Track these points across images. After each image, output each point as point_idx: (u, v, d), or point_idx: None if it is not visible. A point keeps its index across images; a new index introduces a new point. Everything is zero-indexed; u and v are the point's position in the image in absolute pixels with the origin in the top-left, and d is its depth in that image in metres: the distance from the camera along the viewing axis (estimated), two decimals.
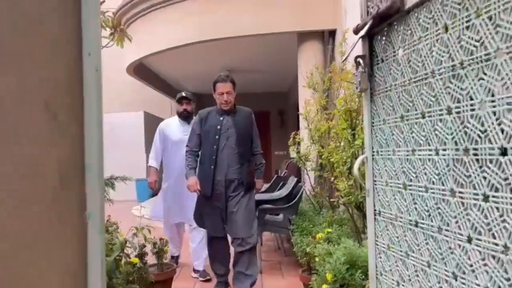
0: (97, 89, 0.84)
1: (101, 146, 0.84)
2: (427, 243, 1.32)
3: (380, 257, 1.65)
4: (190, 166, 3.53)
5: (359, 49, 1.68)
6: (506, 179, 0.97)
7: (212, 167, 3.43)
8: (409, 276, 1.44)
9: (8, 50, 0.65)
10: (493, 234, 1.02)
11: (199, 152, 3.58)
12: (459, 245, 1.16)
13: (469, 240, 1.12)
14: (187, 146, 3.59)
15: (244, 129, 3.52)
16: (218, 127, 3.48)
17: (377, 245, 1.67)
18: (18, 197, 0.65)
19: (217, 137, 3.43)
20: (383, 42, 1.55)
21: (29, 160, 0.67)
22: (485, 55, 1.03)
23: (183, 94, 4.19)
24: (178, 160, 4.04)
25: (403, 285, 1.48)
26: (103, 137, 0.85)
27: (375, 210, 1.68)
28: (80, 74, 0.80)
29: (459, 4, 1.13)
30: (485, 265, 1.05)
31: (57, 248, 0.75)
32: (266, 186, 4.06)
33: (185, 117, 4.18)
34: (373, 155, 1.67)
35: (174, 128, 4.24)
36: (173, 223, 4.33)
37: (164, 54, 7.30)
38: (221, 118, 3.52)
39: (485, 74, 1.03)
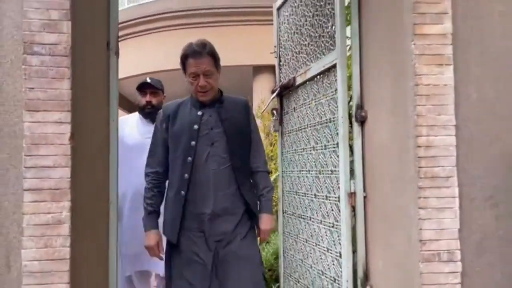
0: (114, 136, 1.65)
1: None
2: (305, 227, 2.20)
3: (285, 241, 2.52)
4: (150, 208, 2.00)
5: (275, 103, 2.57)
6: (335, 186, 1.86)
7: (183, 192, 1.93)
8: (298, 250, 2.30)
9: None
10: (329, 217, 1.91)
11: (168, 174, 2.05)
12: (318, 226, 2.04)
13: (321, 222, 2.00)
14: (146, 166, 2.07)
15: (240, 127, 2.05)
16: (195, 126, 1.97)
17: (284, 233, 2.54)
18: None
19: (193, 142, 1.96)
20: (286, 101, 2.45)
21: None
22: (325, 119, 1.93)
23: (147, 79, 2.79)
24: (135, 173, 2.40)
25: (295, 256, 2.35)
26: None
27: (283, 210, 2.54)
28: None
29: (317, 89, 2.04)
30: (326, 234, 1.93)
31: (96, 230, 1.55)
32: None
33: (148, 113, 2.69)
34: (282, 173, 2.55)
35: (132, 128, 2.71)
36: (129, 274, 2.59)
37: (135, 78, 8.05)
38: (200, 113, 2.00)
39: (326, 129, 1.93)
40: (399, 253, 1.50)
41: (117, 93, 1.69)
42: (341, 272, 1.82)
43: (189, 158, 1.95)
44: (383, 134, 1.59)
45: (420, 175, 1.38)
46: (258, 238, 2.07)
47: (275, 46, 2.78)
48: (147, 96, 2.71)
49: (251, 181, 2.07)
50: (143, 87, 2.75)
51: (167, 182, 2.03)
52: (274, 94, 2.44)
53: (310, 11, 2.23)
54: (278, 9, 2.74)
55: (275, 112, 2.53)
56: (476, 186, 1.41)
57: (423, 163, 1.38)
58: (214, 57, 1.98)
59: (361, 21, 1.79)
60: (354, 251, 1.83)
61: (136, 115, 2.78)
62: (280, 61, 2.69)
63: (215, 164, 1.96)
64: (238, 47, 7.09)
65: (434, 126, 1.39)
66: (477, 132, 1.42)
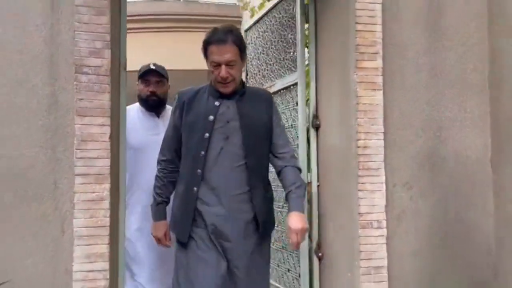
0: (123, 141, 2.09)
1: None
2: None
3: None
4: (158, 198, 1.94)
5: None
6: None
7: (195, 189, 1.82)
8: None
9: None
10: None
11: (179, 164, 1.94)
12: (280, 211, 2.57)
13: (282, 206, 2.53)
14: (159, 153, 1.97)
15: (260, 123, 1.89)
16: (211, 117, 1.84)
17: None
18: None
19: (207, 135, 1.82)
20: None
21: None
22: (288, 125, 2.48)
23: (151, 65, 2.42)
24: (148, 177, 2.13)
25: None
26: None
27: None
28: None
29: (280, 101, 2.58)
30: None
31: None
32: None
33: (152, 105, 2.39)
34: None
35: (134, 124, 2.34)
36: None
37: None
38: (217, 103, 1.86)
39: (289, 133, 2.47)
40: (344, 225, 2.06)
41: (125, 101, 2.05)
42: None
43: (202, 152, 1.79)
44: (333, 138, 2.16)
45: (359, 168, 1.95)
46: (289, 242, 1.83)
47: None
48: (151, 85, 2.36)
49: (268, 182, 1.92)
50: (146, 75, 2.37)
51: (175, 179, 1.91)
52: None
53: (275, 38, 2.77)
54: (246, 30, 3.26)
55: None
56: (396, 175, 2.01)
57: (361, 159, 1.96)
58: (239, 46, 1.80)
59: (317, 50, 2.35)
60: (310, 228, 2.38)
61: (136, 107, 2.41)
62: (247, 74, 3.20)
63: (228, 161, 1.80)
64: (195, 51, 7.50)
65: (369, 133, 1.97)
66: (398, 138, 2.02)
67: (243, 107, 1.85)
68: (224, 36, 1.77)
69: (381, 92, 1.99)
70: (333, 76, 2.18)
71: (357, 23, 1.98)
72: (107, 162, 1.71)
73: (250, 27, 3.20)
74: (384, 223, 1.96)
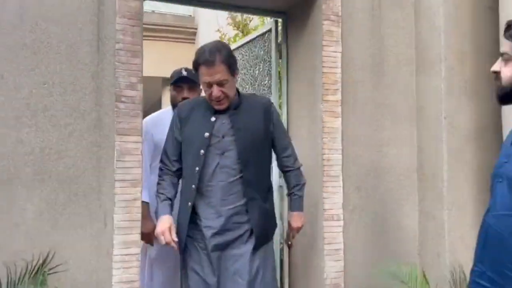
0: None
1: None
2: None
3: None
4: (162, 196, 2.00)
5: None
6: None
7: (190, 203, 1.93)
8: None
9: None
10: None
11: (181, 171, 2.04)
12: None
13: None
14: (159, 163, 2.08)
15: (257, 135, 1.96)
16: (206, 134, 1.91)
17: None
18: None
19: (202, 151, 1.90)
20: None
21: None
22: None
23: (183, 72, 2.46)
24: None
25: None
26: None
27: None
28: None
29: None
30: None
31: None
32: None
33: None
34: None
35: (166, 127, 2.23)
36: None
37: None
38: (213, 119, 1.94)
39: None
40: (311, 218, 2.70)
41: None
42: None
43: (197, 168, 1.87)
44: (302, 153, 2.79)
45: (324, 175, 2.60)
46: (291, 236, 2.19)
47: None
48: (184, 91, 2.44)
49: (267, 194, 2.00)
50: (179, 82, 2.45)
51: (180, 180, 2.02)
52: None
53: (251, 67, 3.37)
54: None
55: None
56: (350, 181, 2.68)
57: (325, 168, 2.61)
58: (228, 63, 1.84)
59: (288, 82, 2.98)
60: (282, 221, 3.00)
61: (169, 111, 2.51)
62: None
63: (224, 176, 1.87)
64: (149, 59, 7.90)
65: (331, 149, 2.63)
66: (352, 153, 2.70)
67: (238, 120, 1.91)
68: (212, 56, 1.81)
69: (340, 118, 2.66)
70: (303, 105, 2.82)
71: (323, 66, 2.64)
72: (139, 170, 2.22)
73: None
74: (341, 216, 2.63)
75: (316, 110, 2.68)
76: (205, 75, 1.85)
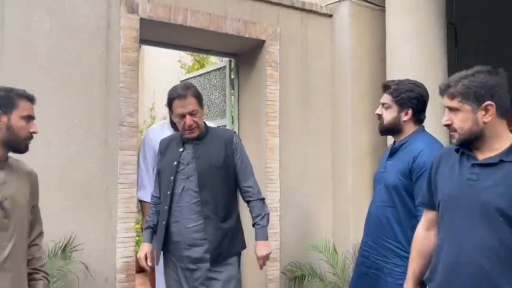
0: None
1: None
2: None
3: None
4: (147, 224, 2.42)
5: None
6: None
7: (164, 222, 2.27)
8: None
9: None
10: None
11: None
12: None
13: None
14: (154, 188, 2.50)
15: (214, 163, 2.25)
16: (175, 163, 2.27)
17: None
18: None
19: (171, 177, 2.26)
20: None
21: None
22: None
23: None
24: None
25: None
26: None
27: None
28: None
29: None
30: None
31: None
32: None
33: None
34: None
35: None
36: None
37: None
38: (180, 149, 2.28)
39: None
40: None
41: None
42: None
43: (168, 192, 2.25)
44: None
45: (267, 179, 3.57)
46: (261, 264, 2.35)
47: None
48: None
49: (226, 214, 2.26)
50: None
51: None
52: None
53: (209, 93, 4.26)
54: (182, 81, 4.67)
55: None
56: (285, 183, 3.68)
57: (268, 174, 3.58)
58: (197, 97, 2.22)
59: (239, 108, 3.92)
60: None
61: (169, 126, 3.11)
62: None
63: (188, 198, 2.22)
64: None
65: (272, 160, 3.60)
66: (286, 164, 3.69)
67: (198, 150, 2.26)
68: (184, 91, 2.19)
69: (278, 138, 3.65)
70: (250, 127, 3.78)
71: (266, 99, 3.62)
72: (135, 176, 3.05)
73: (185, 80, 4.64)
74: (278, 209, 3.61)
75: (261, 131, 3.65)
76: (178, 108, 2.19)
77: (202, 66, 4.96)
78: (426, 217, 1.75)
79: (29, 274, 1.84)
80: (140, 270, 3.67)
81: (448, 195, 1.57)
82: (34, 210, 1.93)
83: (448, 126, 1.57)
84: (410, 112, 2.12)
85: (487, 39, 5.03)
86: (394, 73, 3.30)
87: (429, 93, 2.16)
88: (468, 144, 1.54)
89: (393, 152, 2.17)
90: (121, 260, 2.96)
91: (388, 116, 2.18)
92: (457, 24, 4.29)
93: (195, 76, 4.48)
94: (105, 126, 2.97)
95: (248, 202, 2.39)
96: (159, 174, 2.41)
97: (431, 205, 1.70)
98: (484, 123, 1.49)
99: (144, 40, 3.30)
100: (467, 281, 1.44)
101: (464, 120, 1.51)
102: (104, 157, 2.96)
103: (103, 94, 2.98)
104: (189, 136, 2.26)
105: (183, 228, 2.24)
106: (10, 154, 1.80)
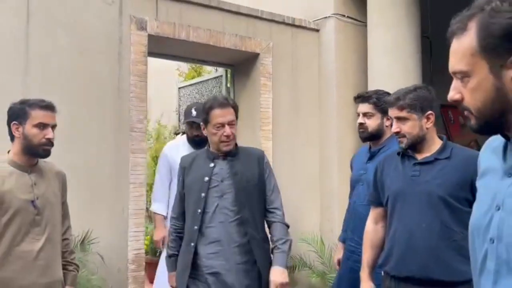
0: None
1: None
2: None
3: None
4: (170, 251, 2.26)
5: None
6: None
7: (192, 244, 2.09)
8: None
9: None
10: None
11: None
12: None
13: None
14: (172, 209, 2.35)
15: (251, 180, 2.16)
16: (206, 178, 2.12)
17: None
18: None
19: (203, 194, 2.09)
20: None
21: None
22: None
23: (193, 113, 3.06)
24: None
25: None
26: None
27: None
28: None
29: None
30: None
31: None
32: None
33: (197, 143, 3.03)
34: None
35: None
36: None
37: None
38: (212, 165, 2.15)
39: None
40: None
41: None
42: None
43: (199, 210, 2.05)
44: None
45: None
46: None
47: (176, 109, 5.04)
48: (194, 129, 3.13)
49: (265, 234, 2.11)
50: (192, 123, 3.12)
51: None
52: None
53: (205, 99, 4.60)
54: (180, 88, 5.02)
55: None
56: (278, 184, 4.05)
57: None
58: (236, 109, 2.15)
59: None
60: None
61: (184, 142, 3.31)
62: (179, 119, 4.96)
63: (223, 217, 2.03)
64: None
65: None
66: (279, 162, 4.07)
67: (235, 166, 2.10)
68: (225, 100, 2.15)
69: (271, 141, 4.03)
70: (246, 132, 4.14)
71: (260, 107, 3.99)
72: (145, 176, 3.39)
73: (184, 86, 4.98)
74: None
75: (255, 135, 4.03)
76: (219, 117, 2.07)
77: (198, 74, 5.31)
78: (374, 213, 2.10)
79: (63, 265, 2.08)
80: None
81: (396, 190, 1.92)
82: (63, 206, 2.18)
83: (397, 133, 1.92)
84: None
85: None
86: (375, 84, 3.70)
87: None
88: (413, 147, 1.91)
89: (372, 155, 2.53)
90: (132, 252, 3.30)
91: (373, 123, 2.46)
92: (432, 38, 4.70)
93: (193, 84, 4.82)
94: (117, 131, 3.31)
95: (271, 223, 2.22)
96: (182, 193, 2.21)
97: (378, 203, 2.06)
98: (427, 128, 1.88)
99: (152, 53, 3.64)
100: (419, 256, 1.80)
101: (412, 127, 1.87)
102: (117, 160, 3.30)
103: (116, 103, 3.32)
104: (225, 149, 2.13)
105: (225, 249, 2.05)
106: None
